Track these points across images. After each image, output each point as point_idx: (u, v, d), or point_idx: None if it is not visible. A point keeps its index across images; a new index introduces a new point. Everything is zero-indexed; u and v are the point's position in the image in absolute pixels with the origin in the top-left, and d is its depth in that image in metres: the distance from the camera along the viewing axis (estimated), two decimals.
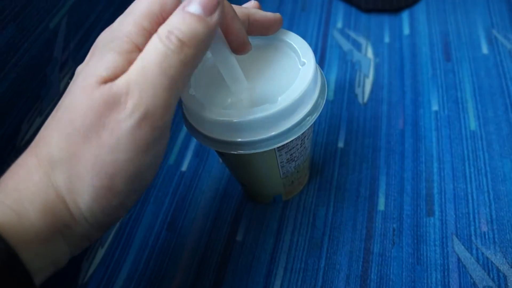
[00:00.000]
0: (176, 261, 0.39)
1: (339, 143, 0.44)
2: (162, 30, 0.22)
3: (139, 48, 0.22)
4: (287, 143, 0.30)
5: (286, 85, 0.29)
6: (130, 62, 0.22)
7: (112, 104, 0.21)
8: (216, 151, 0.33)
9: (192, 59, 0.23)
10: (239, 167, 0.35)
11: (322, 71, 0.32)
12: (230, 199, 0.42)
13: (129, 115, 0.21)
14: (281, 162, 0.33)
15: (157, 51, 0.22)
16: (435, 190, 0.39)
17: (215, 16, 0.23)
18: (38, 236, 0.21)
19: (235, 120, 0.27)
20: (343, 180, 0.41)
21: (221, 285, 0.37)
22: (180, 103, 0.31)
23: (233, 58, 0.28)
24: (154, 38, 0.22)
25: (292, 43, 0.31)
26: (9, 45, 0.35)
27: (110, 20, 0.47)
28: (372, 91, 0.47)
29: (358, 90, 0.47)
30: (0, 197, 0.22)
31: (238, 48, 0.29)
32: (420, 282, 0.34)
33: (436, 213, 0.37)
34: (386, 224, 0.38)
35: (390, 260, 0.36)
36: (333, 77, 0.49)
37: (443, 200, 0.38)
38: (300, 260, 0.37)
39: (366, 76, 0.49)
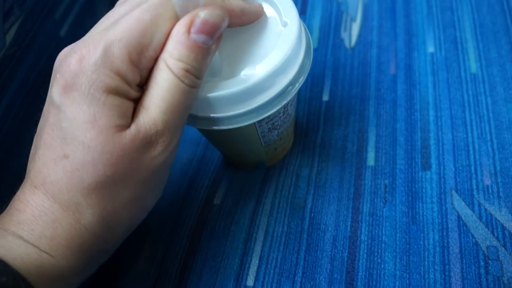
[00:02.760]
0: (146, 227, 0.35)
1: (323, 95, 0.39)
2: (177, 66, 0.22)
3: (130, 85, 0.22)
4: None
5: (266, 51, 0.25)
6: (132, 100, 0.22)
7: (144, 146, 0.22)
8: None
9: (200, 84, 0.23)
10: (217, 140, 0.31)
11: (307, 30, 0.27)
12: (209, 163, 0.38)
13: (162, 152, 0.23)
14: (261, 132, 0.29)
15: (179, 90, 0.22)
16: (432, 141, 0.34)
17: (219, 39, 0.23)
18: (78, 271, 0.23)
19: (208, 94, 0.23)
20: (328, 136, 0.36)
21: (197, 251, 0.33)
22: None
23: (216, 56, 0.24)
24: (170, 76, 0.22)
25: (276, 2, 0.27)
26: None
27: None
28: (360, 35, 0.42)
29: (344, 34, 0.42)
30: (32, 242, 0.22)
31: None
32: (416, 243, 0.30)
33: (433, 166, 0.33)
34: (376, 180, 0.33)
35: (382, 219, 0.32)
36: (316, 21, 0.44)
37: (440, 151, 0.34)
38: (282, 222, 0.33)
39: (353, 19, 0.44)
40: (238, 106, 0.24)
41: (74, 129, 0.21)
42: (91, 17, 0.48)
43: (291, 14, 0.25)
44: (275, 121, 0.29)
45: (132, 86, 0.22)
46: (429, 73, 0.38)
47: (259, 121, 0.27)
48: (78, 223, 0.22)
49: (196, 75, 0.22)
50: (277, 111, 0.27)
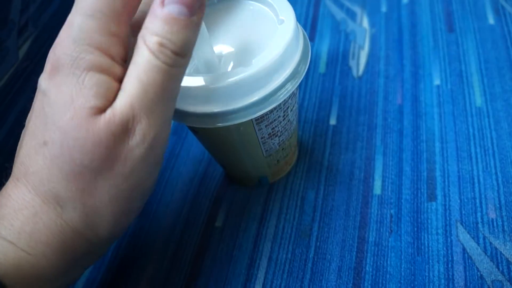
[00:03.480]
0: (148, 250, 0.34)
1: (331, 120, 0.39)
2: (151, 41, 0.20)
3: (114, 59, 0.21)
4: (266, 115, 0.26)
5: (262, 47, 0.25)
6: (116, 79, 0.21)
7: (120, 133, 0.20)
8: (188, 126, 0.29)
9: (186, 66, 0.22)
10: (216, 145, 0.31)
11: (305, 32, 0.28)
12: (211, 181, 0.38)
13: (140, 141, 0.21)
14: (262, 138, 0.29)
15: (155, 68, 0.20)
16: (437, 172, 0.35)
17: (200, 12, 0.21)
18: (59, 272, 0.22)
19: (201, 88, 0.23)
20: (335, 160, 0.37)
21: (198, 277, 0.33)
22: None
23: (211, 49, 0.24)
24: (145, 52, 0.20)
25: (269, 0, 0.27)
26: None
27: None
28: (367, 64, 0.43)
29: (352, 63, 0.43)
30: (10, 238, 0.21)
31: None
32: (421, 275, 0.30)
33: (439, 197, 0.34)
34: (382, 209, 0.34)
35: (387, 250, 0.32)
36: (325, 48, 0.45)
37: (446, 183, 0.34)
38: (286, 249, 0.33)
39: (361, 47, 0.44)
40: (233, 102, 0.24)
41: (54, 113, 0.20)
42: None
43: (287, 13, 0.26)
44: (275, 126, 0.29)
45: (116, 60, 0.21)
46: (435, 105, 0.39)
47: (258, 123, 0.27)
48: (59, 217, 0.21)
49: (174, 50, 0.20)
50: (276, 113, 0.27)
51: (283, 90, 0.25)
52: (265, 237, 0.34)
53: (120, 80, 0.21)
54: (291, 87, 0.25)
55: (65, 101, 0.20)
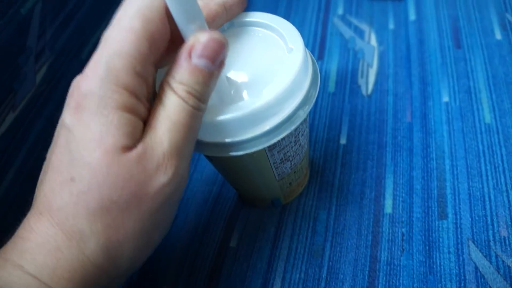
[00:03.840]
0: (163, 270, 0.35)
1: (341, 139, 0.40)
2: (179, 88, 0.22)
3: (139, 99, 0.22)
4: (278, 142, 0.27)
5: (272, 76, 0.25)
6: (141, 118, 0.22)
7: (152, 170, 0.21)
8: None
9: (205, 110, 0.24)
10: (229, 170, 0.32)
11: (313, 58, 0.28)
12: (224, 202, 0.38)
13: (171, 179, 0.22)
14: (274, 163, 0.29)
15: (184, 111, 0.22)
16: (448, 190, 0.35)
17: (221, 65, 0.23)
18: None
19: (216, 119, 0.24)
20: (346, 180, 0.37)
21: None
22: None
23: (224, 79, 0.25)
24: (174, 97, 0.22)
25: (277, 27, 0.27)
26: None
27: (92, 7, 0.43)
28: (376, 82, 0.43)
29: (361, 81, 0.44)
30: (33, 272, 0.21)
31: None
32: None
33: (450, 215, 0.34)
34: (394, 228, 0.34)
35: (399, 269, 0.32)
36: (334, 67, 0.45)
37: (457, 201, 0.34)
38: (299, 269, 0.33)
39: (369, 65, 0.45)
40: (246, 131, 0.25)
41: (81, 150, 0.21)
42: None
43: (296, 41, 0.26)
44: (287, 151, 0.29)
45: (141, 100, 0.22)
46: (444, 122, 0.39)
47: (271, 150, 0.27)
48: (82, 253, 0.22)
49: (199, 98, 0.22)
50: (287, 139, 0.28)
51: (294, 117, 0.25)
52: (279, 257, 0.34)
53: (144, 119, 0.22)
54: (302, 114, 0.26)
55: (94, 139, 0.20)
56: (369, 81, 0.44)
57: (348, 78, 0.44)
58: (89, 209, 0.21)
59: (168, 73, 0.22)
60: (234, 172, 0.31)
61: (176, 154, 0.22)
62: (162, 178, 0.22)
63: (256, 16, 0.29)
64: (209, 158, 0.30)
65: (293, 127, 0.25)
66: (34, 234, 0.22)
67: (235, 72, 0.27)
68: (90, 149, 0.20)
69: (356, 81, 0.44)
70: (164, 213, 0.23)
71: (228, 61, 0.27)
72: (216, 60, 0.22)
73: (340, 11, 0.51)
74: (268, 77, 0.26)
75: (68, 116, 0.21)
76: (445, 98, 0.41)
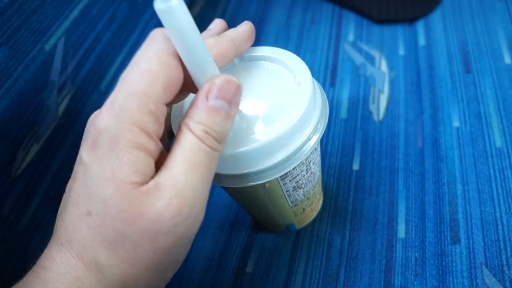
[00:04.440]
0: None
1: (353, 165, 0.41)
2: (197, 128, 0.23)
3: (151, 137, 0.22)
4: (289, 171, 0.28)
5: (282, 109, 0.26)
6: (152, 156, 0.22)
7: (162, 209, 0.22)
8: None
9: (222, 150, 0.24)
10: (243, 199, 0.33)
11: (322, 88, 0.29)
12: (241, 227, 0.39)
13: (184, 219, 0.22)
14: (287, 191, 0.30)
15: (201, 151, 0.23)
16: (460, 215, 0.36)
17: (237, 106, 0.24)
18: None
19: (228, 152, 0.25)
20: (359, 205, 0.38)
21: None
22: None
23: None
24: (191, 136, 0.23)
25: (286, 61, 0.29)
26: (2, 69, 0.33)
27: (110, 41, 0.45)
28: (387, 107, 0.44)
29: (372, 107, 0.45)
30: None
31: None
32: None
33: (462, 240, 0.34)
34: (407, 253, 0.35)
35: None
36: (345, 93, 0.47)
37: (469, 225, 0.35)
38: None
39: (380, 91, 0.46)
40: (258, 163, 0.25)
41: (96, 186, 0.22)
42: None
43: (304, 74, 0.27)
44: (299, 179, 0.30)
45: (153, 138, 0.22)
46: (455, 147, 0.40)
47: (283, 179, 0.28)
48: (100, 283, 0.22)
49: (216, 137, 0.23)
50: (299, 168, 0.28)
51: (304, 148, 0.26)
52: (294, 282, 0.35)
53: (155, 156, 0.23)
54: (312, 144, 0.27)
55: (106, 176, 0.21)
56: (380, 107, 0.45)
57: (359, 104, 0.45)
58: (105, 242, 0.22)
59: (186, 116, 0.23)
60: (248, 201, 0.32)
61: (191, 195, 0.22)
62: (175, 218, 0.22)
63: (265, 51, 0.30)
64: (224, 188, 0.31)
65: (303, 157, 0.26)
66: (55, 264, 0.23)
67: (246, 105, 0.28)
68: (104, 186, 0.22)
69: (368, 107, 0.45)
70: (178, 249, 0.24)
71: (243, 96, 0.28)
72: (232, 100, 0.23)
73: (350, 37, 0.52)
74: (278, 110, 0.27)
75: (84, 153, 0.22)
76: (456, 123, 0.42)
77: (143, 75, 0.22)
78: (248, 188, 0.28)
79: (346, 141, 0.42)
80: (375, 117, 0.44)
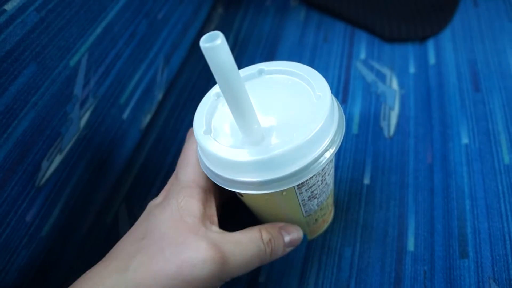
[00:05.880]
0: None
1: (364, 179, 0.42)
2: (266, 237, 0.30)
3: (205, 192, 0.31)
4: (306, 181, 0.29)
5: (301, 121, 0.28)
6: (203, 203, 0.30)
7: (204, 250, 0.27)
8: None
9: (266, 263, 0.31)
10: (259, 207, 0.34)
11: (339, 103, 0.30)
12: None
13: (216, 265, 0.27)
14: (302, 201, 0.32)
15: (256, 248, 0.30)
16: (468, 230, 0.37)
17: (293, 247, 0.34)
18: None
19: (248, 159, 0.26)
20: (370, 218, 0.39)
21: None
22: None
23: (258, 123, 0.28)
24: (257, 235, 0.30)
25: (306, 76, 0.30)
26: (30, 84, 0.35)
27: (130, 56, 0.47)
28: (398, 124, 0.46)
29: (383, 123, 0.46)
30: None
31: None
32: None
33: (471, 254, 0.35)
34: (416, 266, 0.35)
35: None
36: (357, 109, 0.48)
37: (477, 240, 0.36)
38: None
39: (391, 108, 0.47)
40: (278, 171, 0.27)
41: (156, 220, 0.29)
42: (150, 101, 0.53)
43: (324, 89, 0.28)
44: (314, 189, 0.31)
45: (204, 190, 0.31)
46: (464, 164, 0.41)
47: (299, 188, 0.30)
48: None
49: (273, 249, 0.31)
50: (315, 178, 0.30)
51: (322, 158, 0.27)
52: None
53: (204, 202, 0.31)
54: (329, 156, 0.28)
55: (166, 215, 0.29)
56: (391, 123, 0.46)
57: (371, 121, 0.46)
58: (145, 255, 0.27)
59: (263, 225, 0.31)
60: (264, 208, 0.34)
61: (229, 258, 0.28)
62: (207, 261, 0.27)
63: (284, 65, 0.31)
64: (240, 195, 0.32)
65: (320, 168, 0.27)
66: (104, 279, 0.26)
67: (267, 117, 0.29)
68: (162, 219, 0.29)
69: (379, 124, 0.46)
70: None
71: (260, 105, 0.29)
72: (293, 245, 0.33)
73: (362, 55, 0.54)
74: (297, 121, 0.28)
75: (152, 203, 0.31)
76: (465, 140, 0.43)
77: (193, 156, 0.32)
78: (266, 195, 0.29)
79: (357, 156, 0.44)
80: (385, 133, 0.45)
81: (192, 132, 0.33)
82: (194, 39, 0.63)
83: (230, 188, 0.29)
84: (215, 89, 0.31)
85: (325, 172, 0.31)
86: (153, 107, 0.54)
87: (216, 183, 0.29)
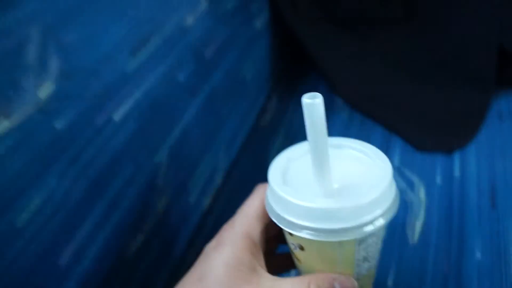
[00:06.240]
0: None
1: (388, 281, 0.49)
2: (314, 283, 0.32)
3: (255, 242, 0.34)
4: (366, 237, 0.32)
5: (366, 184, 0.32)
6: (253, 253, 0.33)
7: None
8: (293, 243, 0.35)
9: None
10: (313, 262, 0.35)
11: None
12: None
13: None
14: (357, 260, 0.34)
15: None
16: None
17: None
18: None
19: (318, 206, 0.30)
20: None
21: None
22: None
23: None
24: (306, 280, 0.32)
25: (369, 151, 0.35)
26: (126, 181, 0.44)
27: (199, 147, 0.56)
28: (421, 233, 0.53)
29: (408, 231, 0.53)
30: None
31: None
32: None
33: None
34: None
35: None
36: None
37: None
38: None
39: (416, 217, 0.55)
40: (347, 222, 0.30)
41: (211, 264, 0.32)
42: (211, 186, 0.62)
43: (384, 159, 0.34)
44: (370, 250, 0.33)
45: (256, 242, 0.34)
46: (475, 277, 0.47)
47: (360, 243, 0.32)
48: None
49: None
50: (372, 238, 0.32)
51: (383, 219, 0.32)
52: None
53: (254, 253, 0.33)
54: (389, 216, 0.32)
55: (222, 261, 0.32)
56: (415, 232, 0.53)
57: (397, 227, 0.54)
58: None
59: (314, 275, 0.33)
60: (316, 264, 0.35)
61: None
62: None
63: (350, 141, 0.37)
64: (301, 247, 0.35)
65: (379, 226, 0.31)
66: None
67: (339, 179, 0.34)
68: (218, 264, 0.32)
69: (405, 230, 0.53)
70: None
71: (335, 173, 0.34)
72: None
73: (396, 162, 0.62)
74: (364, 186, 0.33)
75: (208, 248, 0.34)
76: (478, 255, 0.50)
77: (251, 210, 0.35)
78: (327, 247, 0.32)
79: (382, 259, 0.51)
80: (410, 240, 0.52)
81: (259, 188, 0.37)
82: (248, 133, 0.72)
83: (300, 233, 0.31)
84: (287, 154, 0.36)
85: (380, 236, 0.34)
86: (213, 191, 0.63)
87: (286, 229, 0.32)
